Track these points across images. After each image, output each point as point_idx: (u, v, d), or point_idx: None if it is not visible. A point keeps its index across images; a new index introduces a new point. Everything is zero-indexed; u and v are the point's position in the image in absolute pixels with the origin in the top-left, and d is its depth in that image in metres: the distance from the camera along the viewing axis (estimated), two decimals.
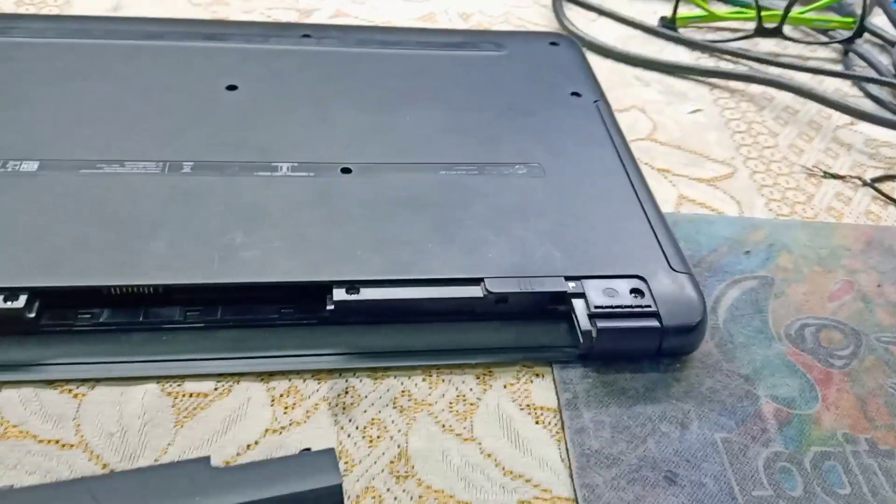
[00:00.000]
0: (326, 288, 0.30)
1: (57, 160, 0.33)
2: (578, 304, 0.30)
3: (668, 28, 0.52)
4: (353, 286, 0.30)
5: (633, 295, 0.31)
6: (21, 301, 0.28)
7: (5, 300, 0.28)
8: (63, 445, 0.26)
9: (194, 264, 0.30)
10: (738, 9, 0.55)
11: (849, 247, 0.38)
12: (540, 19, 0.52)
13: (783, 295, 0.35)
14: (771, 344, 0.33)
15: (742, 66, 0.50)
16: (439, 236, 0.32)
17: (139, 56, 0.40)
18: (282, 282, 0.30)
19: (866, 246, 0.38)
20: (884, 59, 0.53)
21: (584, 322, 0.30)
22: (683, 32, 0.52)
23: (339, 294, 0.30)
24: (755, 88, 0.48)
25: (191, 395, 0.28)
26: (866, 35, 0.55)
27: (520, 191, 0.35)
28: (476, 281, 0.31)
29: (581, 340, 0.30)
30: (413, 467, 0.27)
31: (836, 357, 0.33)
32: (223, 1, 0.50)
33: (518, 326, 0.31)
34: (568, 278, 0.31)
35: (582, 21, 0.53)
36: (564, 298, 0.31)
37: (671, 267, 0.32)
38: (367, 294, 0.30)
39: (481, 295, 0.30)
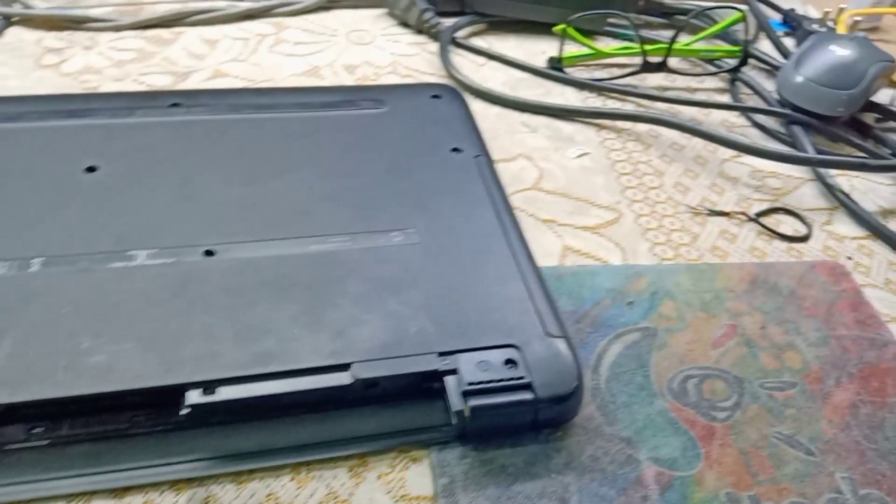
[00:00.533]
0: (180, 391, 0.28)
1: None
2: (451, 381, 0.29)
3: (555, 69, 0.52)
4: (208, 386, 0.28)
5: (507, 366, 0.30)
6: None
7: None
8: None
9: (37, 376, 0.28)
10: (624, 45, 0.55)
11: (732, 288, 0.38)
12: (427, 67, 0.52)
13: (666, 346, 0.35)
14: (653, 401, 0.32)
15: (630, 103, 0.51)
16: (306, 320, 0.31)
17: None
18: (130, 389, 0.28)
19: (750, 286, 0.38)
20: (769, 85, 0.54)
21: (455, 401, 0.29)
22: (571, 72, 0.52)
23: (194, 396, 0.28)
24: (642, 127, 0.48)
25: None
26: (753, 61, 0.56)
27: (394, 261, 0.34)
28: (344, 367, 0.29)
29: (454, 420, 0.29)
30: None
31: (718, 409, 0.32)
32: (94, 69, 0.48)
33: (392, 409, 0.30)
34: (441, 354, 0.30)
35: (470, 67, 0.52)
36: (437, 376, 0.30)
37: (546, 332, 0.31)
38: (224, 394, 0.28)
39: (349, 382, 0.29)
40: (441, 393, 0.30)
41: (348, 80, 0.49)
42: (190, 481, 0.28)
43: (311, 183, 0.38)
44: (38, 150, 0.38)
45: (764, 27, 0.57)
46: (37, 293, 0.31)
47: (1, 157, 0.37)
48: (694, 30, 0.57)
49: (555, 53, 0.53)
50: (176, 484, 0.27)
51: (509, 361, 0.30)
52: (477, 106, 0.48)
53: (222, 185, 0.37)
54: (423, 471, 0.29)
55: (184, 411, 0.28)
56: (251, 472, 0.28)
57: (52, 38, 0.51)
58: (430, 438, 0.30)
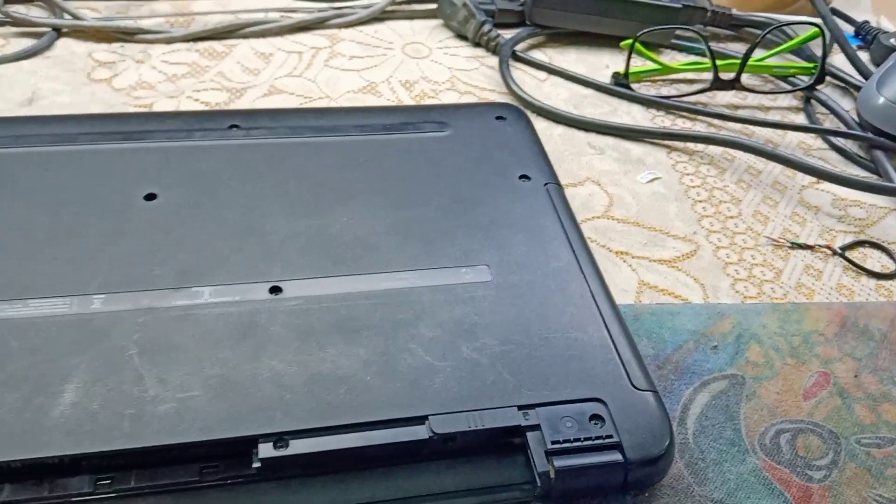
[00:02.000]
0: (252, 442, 0.27)
1: None
2: (533, 438, 0.28)
3: (620, 85, 0.50)
4: (281, 439, 0.27)
5: (592, 422, 0.28)
6: None
7: None
8: None
9: (103, 427, 0.26)
10: (693, 60, 0.53)
11: (822, 331, 0.36)
12: (487, 83, 0.50)
13: (755, 396, 0.33)
14: (745, 458, 0.30)
15: (700, 123, 0.48)
16: (378, 367, 0.29)
17: (49, 165, 0.37)
18: (200, 441, 0.26)
19: (840, 328, 0.36)
20: (846, 104, 0.51)
21: (540, 462, 0.27)
22: (637, 88, 0.50)
23: (266, 450, 0.26)
24: (715, 149, 0.46)
25: None
26: (828, 78, 0.53)
27: (466, 301, 0.32)
28: (420, 419, 0.28)
29: (538, 482, 0.27)
30: None
31: (814, 468, 0.30)
32: (147, 84, 0.47)
33: (470, 465, 0.28)
34: (521, 407, 0.28)
35: (531, 82, 0.50)
36: (518, 431, 0.28)
37: (633, 385, 0.30)
38: (296, 447, 0.27)
39: (426, 437, 0.27)
40: (521, 448, 0.28)
41: (406, 97, 0.48)
42: None
43: (376, 213, 0.36)
44: (96, 176, 0.37)
45: (840, 42, 0.54)
46: (100, 333, 0.29)
47: (59, 181, 0.36)
48: (766, 44, 0.54)
49: (619, 68, 0.51)
50: None
51: (595, 417, 0.28)
52: (540, 125, 0.46)
53: (285, 216, 0.36)
54: None
55: (255, 465, 0.26)
56: None
57: (103, 51, 0.50)
58: (511, 497, 0.28)
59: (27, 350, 0.29)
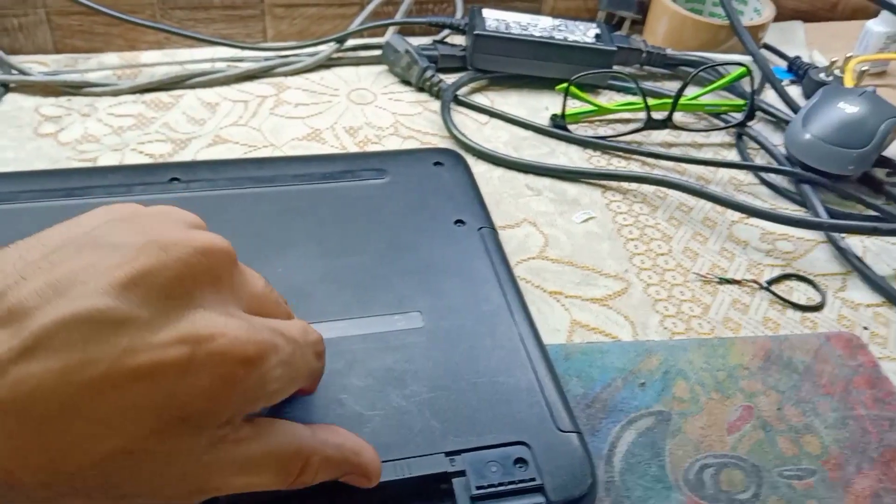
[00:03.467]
0: None
1: None
2: (459, 484, 0.28)
3: (559, 127, 0.51)
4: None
5: (517, 465, 0.29)
6: None
7: None
8: None
9: None
10: (628, 100, 0.54)
11: (746, 365, 0.37)
12: (429, 127, 0.51)
13: (681, 432, 0.34)
14: (669, 494, 0.31)
15: (635, 162, 0.50)
16: (307, 420, 0.30)
17: None
18: None
19: (764, 362, 0.37)
20: (776, 139, 0.53)
21: None
22: (575, 129, 0.52)
23: None
24: (648, 187, 0.47)
25: None
26: (759, 114, 0.55)
27: (397, 348, 0.33)
28: None
29: None
30: None
31: (737, 502, 0.31)
32: (93, 137, 0.47)
33: None
34: (448, 454, 0.29)
35: (472, 126, 0.52)
36: (445, 478, 0.29)
37: (557, 426, 0.30)
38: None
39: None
40: (450, 494, 0.29)
41: (350, 144, 0.49)
42: None
43: (312, 262, 0.37)
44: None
45: (769, 79, 0.56)
46: None
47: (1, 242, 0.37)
48: (700, 82, 0.56)
49: (557, 110, 0.52)
50: None
51: (519, 461, 0.29)
52: (480, 167, 0.48)
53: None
54: None
55: None
56: None
57: (49, 105, 0.50)
58: None
59: None
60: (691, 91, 0.54)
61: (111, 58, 0.55)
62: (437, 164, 0.45)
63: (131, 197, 0.40)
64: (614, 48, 0.55)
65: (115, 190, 0.40)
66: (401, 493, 0.29)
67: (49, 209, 0.39)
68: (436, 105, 0.53)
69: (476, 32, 0.54)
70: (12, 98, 0.51)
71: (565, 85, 0.50)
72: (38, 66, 0.54)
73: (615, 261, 0.42)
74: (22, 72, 0.52)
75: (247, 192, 0.41)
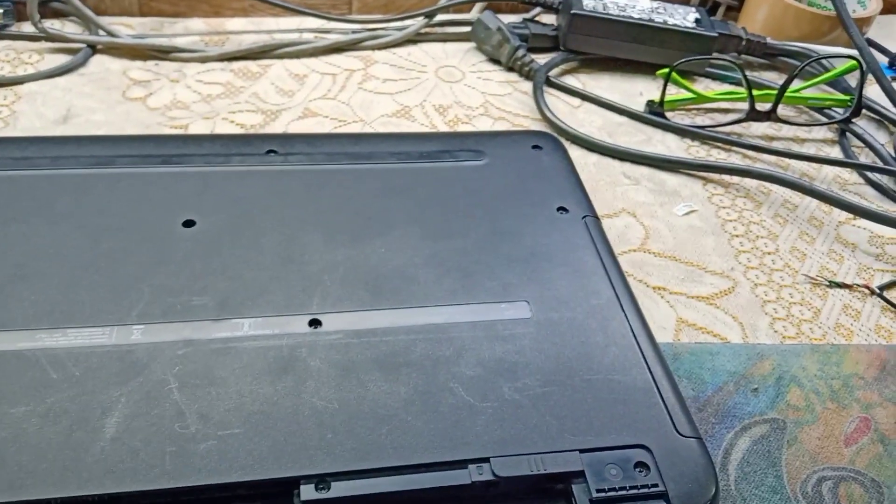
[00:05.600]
0: (293, 484, 0.27)
1: None
2: (578, 487, 0.27)
3: (655, 114, 0.49)
4: (322, 481, 0.26)
5: (637, 469, 0.28)
6: None
7: None
8: None
9: (144, 464, 0.26)
10: (728, 89, 0.52)
11: (862, 374, 0.35)
12: (520, 109, 0.50)
13: (796, 442, 0.32)
14: None
15: (735, 154, 0.48)
16: (419, 407, 0.29)
17: (86, 189, 0.37)
18: (241, 481, 0.26)
19: (880, 372, 0.35)
20: (881, 137, 0.51)
21: None
22: (672, 117, 0.50)
23: (308, 492, 0.26)
24: (751, 182, 0.45)
25: None
26: (864, 111, 0.53)
27: (506, 338, 0.32)
28: (462, 463, 0.27)
29: None
30: None
31: None
32: (182, 104, 0.47)
33: None
34: (565, 453, 0.28)
35: (564, 109, 0.50)
36: (563, 478, 0.28)
37: (677, 431, 0.29)
38: (338, 490, 0.26)
39: (468, 482, 0.27)
40: (562, 494, 0.28)
41: (440, 123, 0.48)
42: None
43: (414, 244, 0.36)
44: (135, 200, 0.37)
45: (876, 75, 0.53)
46: (140, 366, 0.29)
47: (97, 206, 0.36)
48: (802, 75, 0.54)
49: (653, 96, 0.50)
50: None
51: (640, 465, 0.28)
52: (574, 153, 0.46)
53: (324, 245, 0.35)
54: None
55: None
56: None
57: (137, 69, 0.50)
58: None
59: (67, 382, 0.29)
60: (793, 85, 0.52)
61: (196, 23, 0.54)
62: (535, 147, 0.43)
63: (229, 167, 0.39)
64: (715, 34, 0.53)
65: (212, 159, 0.40)
66: (516, 490, 0.28)
67: (146, 175, 0.38)
68: (526, 86, 0.52)
69: (573, 12, 0.52)
70: (99, 59, 0.50)
71: (667, 70, 0.48)
72: (123, 28, 0.53)
73: (720, 257, 0.40)
74: (109, 33, 0.52)
75: (344, 167, 0.40)
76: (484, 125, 0.48)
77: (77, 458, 0.26)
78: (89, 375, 0.29)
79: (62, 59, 0.49)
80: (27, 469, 0.26)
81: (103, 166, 0.39)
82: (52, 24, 0.51)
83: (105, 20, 0.53)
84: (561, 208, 0.39)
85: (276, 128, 0.46)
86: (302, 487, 0.26)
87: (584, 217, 0.39)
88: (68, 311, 0.31)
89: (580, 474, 0.28)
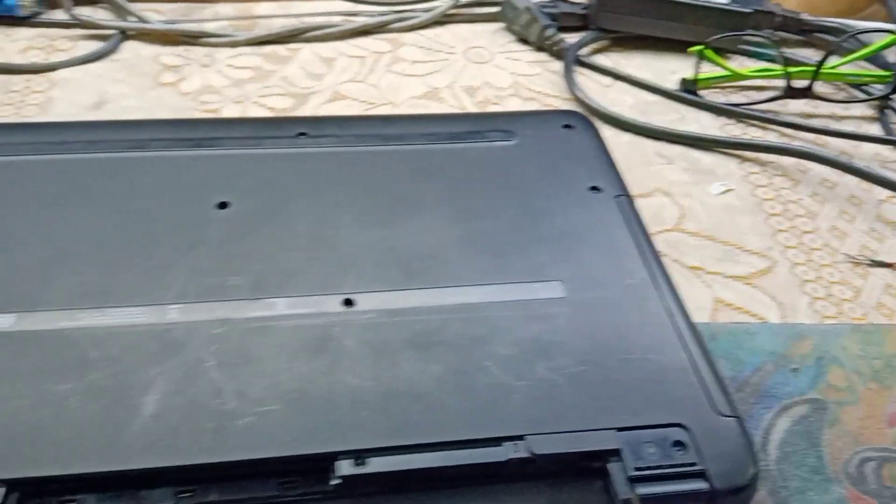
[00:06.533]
0: (331, 459, 0.27)
1: (35, 310, 0.30)
2: (615, 465, 0.27)
3: (689, 92, 0.49)
4: (359, 456, 0.27)
5: (675, 448, 0.28)
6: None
7: None
8: None
9: (184, 440, 0.26)
10: (763, 66, 0.51)
11: None
12: (550, 88, 0.49)
13: (838, 422, 0.32)
14: (829, 487, 0.29)
15: (772, 132, 0.47)
16: (454, 385, 0.29)
17: (122, 172, 0.37)
18: (280, 457, 0.26)
19: None
20: None
21: (622, 489, 0.26)
22: (705, 95, 0.49)
23: (345, 467, 0.26)
24: (787, 160, 0.44)
25: None
26: None
27: (540, 318, 0.32)
28: (497, 441, 0.27)
29: None
30: None
31: None
32: (213, 89, 0.47)
33: (546, 488, 0.28)
34: (601, 431, 0.28)
35: (595, 88, 0.49)
36: (599, 456, 0.28)
37: (715, 410, 0.29)
38: (375, 465, 0.26)
39: (504, 459, 0.27)
40: (598, 473, 0.28)
41: (470, 104, 0.47)
42: None
43: (446, 225, 0.36)
44: (169, 183, 0.37)
45: None
46: (177, 344, 0.30)
47: (132, 188, 0.36)
48: (839, 51, 0.52)
49: (687, 74, 0.49)
50: None
51: (677, 443, 0.28)
52: (606, 132, 0.45)
53: (356, 226, 0.35)
54: None
55: (334, 482, 0.26)
56: None
57: (168, 54, 0.50)
58: None
59: (106, 360, 0.29)
60: (830, 62, 0.51)
61: (226, 8, 0.54)
62: (566, 126, 0.43)
63: (261, 150, 0.39)
64: (749, 10, 0.52)
65: (244, 142, 0.40)
66: (552, 468, 0.28)
67: (180, 158, 0.38)
68: (556, 65, 0.51)
69: None
70: (131, 45, 0.51)
71: (700, 47, 0.47)
72: (154, 14, 0.53)
73: (758, 237, 0.39)
74: (140, 19, 0.52)
75: (374, 149, 0.40)
76: (514, 106, 0.47)
77: (117, 435, 0.27)
78: (128, 354, 0.29)
79: (94, 46, 0.50)
80: (69, 445, 0.26)
81: (138, 150, 0.39)
82: (84, 11, 0.52)
83: (135, 6, 0.53)
84: (593, 188, 0.39)
85: (306, 111, 0.46)
86: (339, 463, 0.26)
87: (617, 196, 0.38)
88: (106, 291, 0.32)
89: (617, 452, 0.27)
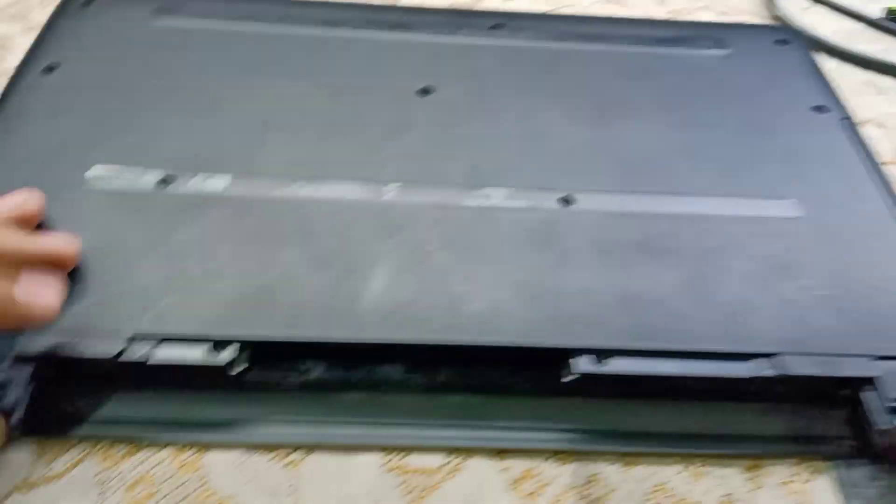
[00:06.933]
0: (566, 355, 0.26)
1: (247, 175, 0.30)
2: (869, 395, 0.25)
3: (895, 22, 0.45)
4: (599, 355, 0.25)
5: None
6: (229, 354, 0.24)
7: (211, 351, 0.24)
8: None
9: (417, 318, 0.25)
10: None
11: None
12: (746, 5, 0.45)
13: None
14: None
15: None
16: (692, 295, 0.27)
17: (322, 48, 0.36)
18: (517, 345, 0.25)
19: None
20: None
21: (881, 419, 0.25)
22: None
23: (584, 364, 0.25)
24: None
25: (417, 472, 0.24)
26: None
27: (777, 236, 0.29)
28: (744, 356, 0.26)
29: (874, 439, 0.25)
30: None
31: None
32: None
33: (788, 411, 0.26)
34: (859, 357, 0.26)
35: (793, 9, 0.46)
36: (852, 383, 0.26)
37: None
38: (615, 366, 0.25)
39: (750, 376, 0.25)
40: (847, 401, 0.26)
41: (658, 12, 0.44)
42: (572, 453, 0.25)
43: (663, 132, 0.34)
44: (370, 63, 0.35)
45: None
46: (398, 223, 0.28)
47: (333, 66, 0.35)
48: None
49: (893, 3, 0.45)
50: (558, 454, 0.25)
51: None
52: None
53: (565, 124, 0.33)
54: (825, 486, 0.25)
55: (569, 378, 0.25)
56: (636, 455, 0.25)
57: None
58: (834, 451, 0.26)
59: (329, 231, 0.28)
60: None
61: None
62: (779, 42, 0.39)
63: (457, 38, 0.37)
64: None
65: (440, 30, 0.38)
66: (794, 389, 0.26)
67: (378, 40, 0.37)
68: None
69: None
70: None
71: None
72: None
73: None
74: None
75: (578, 48, 0.38)
76: (706, 19, 0.44)
77: (349, 306, 0.26)
78: (351, 227, 0.28)
79: None
80: (301, 311, 0.25)
81: (334, 26, 0.37)
82: None
83: None
84: (816, 107, 0.36)
85: (489, 5, 0.43)
86: (578, 359, 0.25)
87: (843, 119, 0.35)
88: (320, 164, 0.31)
89: (870, 381, 0.26)
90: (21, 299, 0.22)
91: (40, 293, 0.23)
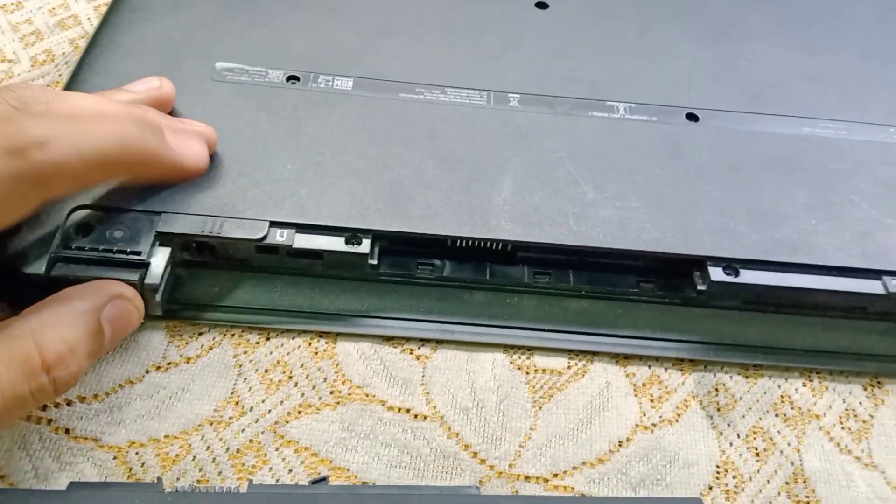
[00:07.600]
0: (697, 264, 0.26)
1: (371, 79, 0.30)
2: None
3: None
4: (731, 266, 0.25)
5: None
6: (364, 245, 0.25)
7: (347, 242, 0.25)
8: (416, 416, 0.24)
9: (547, 220, 0.25)
10: None
11: None
12: None
13: None
14: None
15: None
16: (822, 212, 0.27)
17: None
18: (649, 251, 0.25)
19: None
20: None
21: None
22: None
23: (716, 274, 0.25)
24: None
25: (543, 371, 0.25)
26: None
27: None
28: (876, 273, 0.25)
29: None
30: (814, 491, 0.23)
31: None
32: None
33: None
34: None
35: None
36: None
37: None
38: (747, 277, 0.25)
39: (886, 293, 0.25)
40: None
41: None
42: (695, 363, 0.25)
43: (782, 54, 0.33)
44: None
45: None
46: (524, 131, 0.28)
47: None
48: None
49: None
50: (681, 363, 0.25)
51: None
52: None
53: (684, 43, 0.33)
54: None
55: (701, 287, 0.25)
56: (758, 367, 0.25)
57: None
58: None
59: (457, 134, 0.28)
60: None
61: None
62: None
63: None
64: None
65: None
66: None
67: None
68: None
69: None
70: None
71: None
72: None
73: None
74: None
75: None
76: None
77: (481, 206, 0.26)
78: (477, 132, 0.28)
79: None
80: (433, 208, 0.25)
81: None
82: None
83: None
84: None
85: None
86: (710, 269, 0.25)
87: None
88: (441, 71, 0.30)
89: None
90: (175, 148, 0.24)
91: (191, 144, 0.24)
